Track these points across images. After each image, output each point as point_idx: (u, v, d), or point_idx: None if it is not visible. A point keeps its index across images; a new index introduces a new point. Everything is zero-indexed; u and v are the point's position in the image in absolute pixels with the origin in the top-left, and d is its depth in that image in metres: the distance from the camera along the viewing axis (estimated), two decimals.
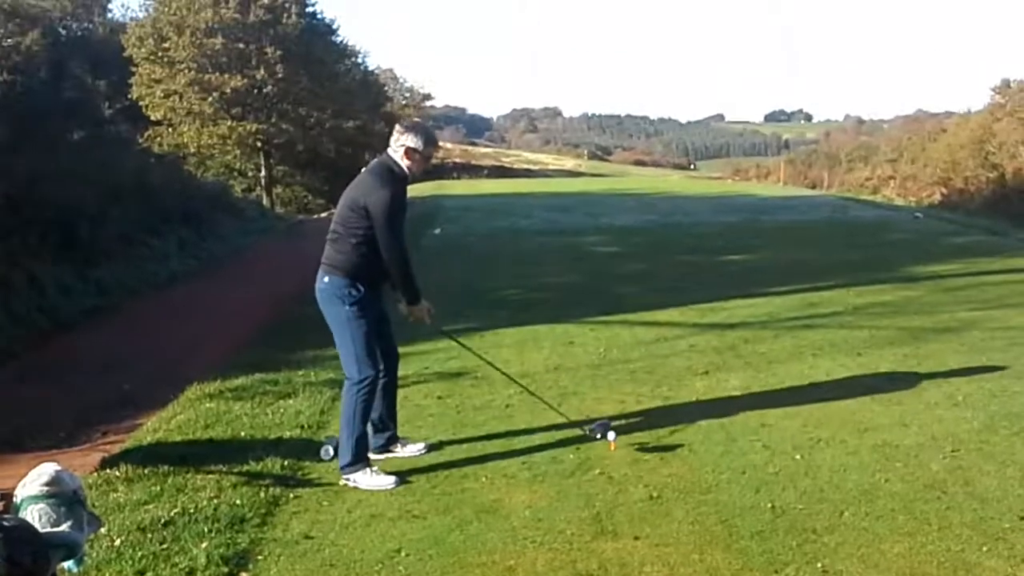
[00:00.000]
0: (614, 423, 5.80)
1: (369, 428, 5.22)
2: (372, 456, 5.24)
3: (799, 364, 7.34)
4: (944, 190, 28.68)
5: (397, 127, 5.15)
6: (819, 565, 3.85)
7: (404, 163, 5.01)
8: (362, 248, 4.94)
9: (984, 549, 3.97)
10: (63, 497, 2.45)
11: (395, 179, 4.98)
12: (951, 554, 3.93)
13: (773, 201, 27.05)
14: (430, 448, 5.50)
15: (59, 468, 2.49)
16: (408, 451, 5.44)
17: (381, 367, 5.18)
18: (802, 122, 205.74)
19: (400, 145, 5.00)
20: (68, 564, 2.48)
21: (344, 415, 5.05)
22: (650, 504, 4.57)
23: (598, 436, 5.35)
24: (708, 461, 5.16)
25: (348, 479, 4.95)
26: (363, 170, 5.17)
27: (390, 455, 5.38)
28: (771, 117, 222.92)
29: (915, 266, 12.86)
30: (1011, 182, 24.40)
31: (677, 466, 5.10)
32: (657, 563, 3.92)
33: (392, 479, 4.94)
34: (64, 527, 2.40)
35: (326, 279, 5.02)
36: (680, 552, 4.02)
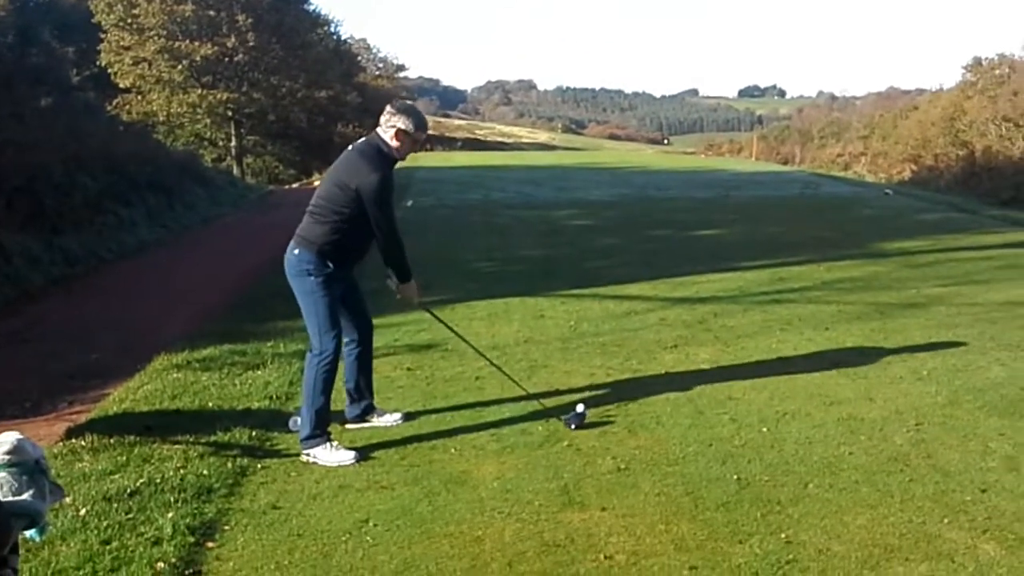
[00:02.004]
0: (583, 395, 5.83)
1: (346, 398, 5.27)
2: (350, 426, 5.27)
3: (767, 338, 7.40)
4: (914, 167, 28.84)
5: (388, 108, 5.05)
6: (783, 536, 3.89)
7: (393, 144, 4.94)
8: (342, 227, 4.90)
9: (945, 521, 4.03)
10: (25, 466, 2.44)
11: (385, 161, 4.91)
12: (913, 525, 3.98)
13: (745, 176, 27.15)
14: (406, 417, 5.50)
15: (21, 437, 2.47)
16: (384, 420, 5.44)
17: (352, 338, 5.19)
18: (776, 98, 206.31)
19: (391, 126, 4.93)
20: (30, 533, 2.47)
21: (305, 386, 5.01)
22: (617, 476, 4.60)
23: (572, 427, 5.33)
24: (675, 434, 5.19)
25: (307, 454, 4.88)
26: (351, 148, 5.07)
27: (366, 424, 5.38)
28: (745, 92, 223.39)
29: (884, 242, 12.98)
30: (980, 160, 24.58)
31: (645, 438, 5.13)
32: (623, 533, 3.95)
33: (352, 455, 4.88)
34: (26, 496, 2.39)
35: (296, 251, 4.98)
36: (646, 523, 4.05)
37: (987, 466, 4.66)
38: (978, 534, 3.90)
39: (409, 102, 5.33)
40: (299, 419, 5.25)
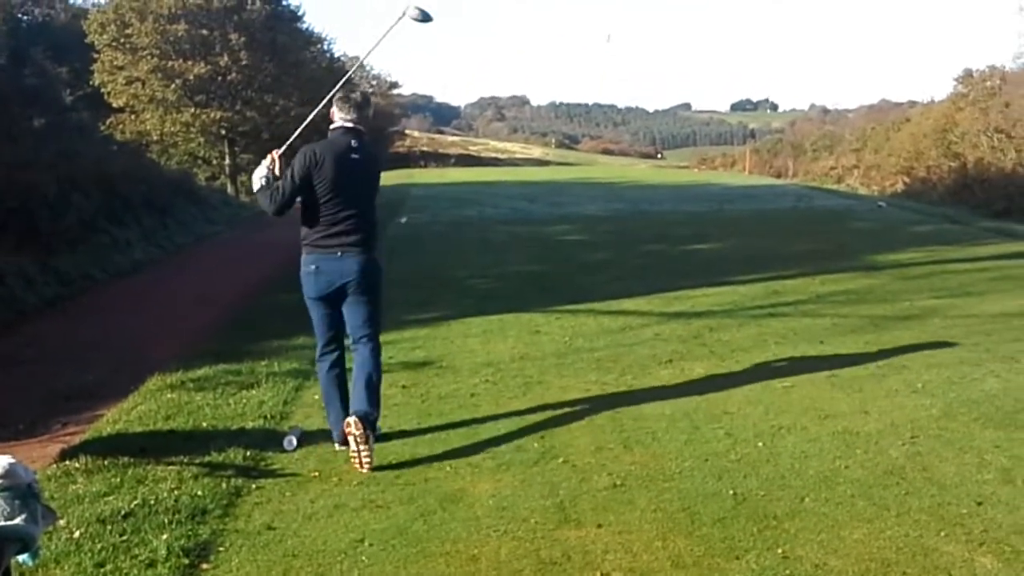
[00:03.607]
0: (578, 409, 5.84)
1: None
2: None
3: (762, 352, 7.40)
4: (907, 179, 28.91)
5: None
6: (780, 551, 3.88)
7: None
8: None
9: (942, 534, 4.02)
10: (17, 490, 2.42)
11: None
12: (910, 539, 3.98)
13: (739, 190, 27.23)
14: (389, 437, 5.48)
15: (13, 461, 2.46)
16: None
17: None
18: (768, 111, 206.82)
19: None
20: (23, 557, 2.46)
21: (376, 376, 5.28)
22: (613, 492, 4.59)
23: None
24: (671, 449, 5.18)
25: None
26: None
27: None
28: (737, 106, 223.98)
29: (878, 255, 13.01)
30: (972, 171, 24.64)
31: (640, 454, 5.12)
32: (620, 550, 3.94)
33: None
34: (18, 520, 2.38)
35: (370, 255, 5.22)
36: (643, 539, 4.04)
37: (983, 479, 4.65)
38: (975, 547, 3.90)
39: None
40: (293, 438, 5.28)
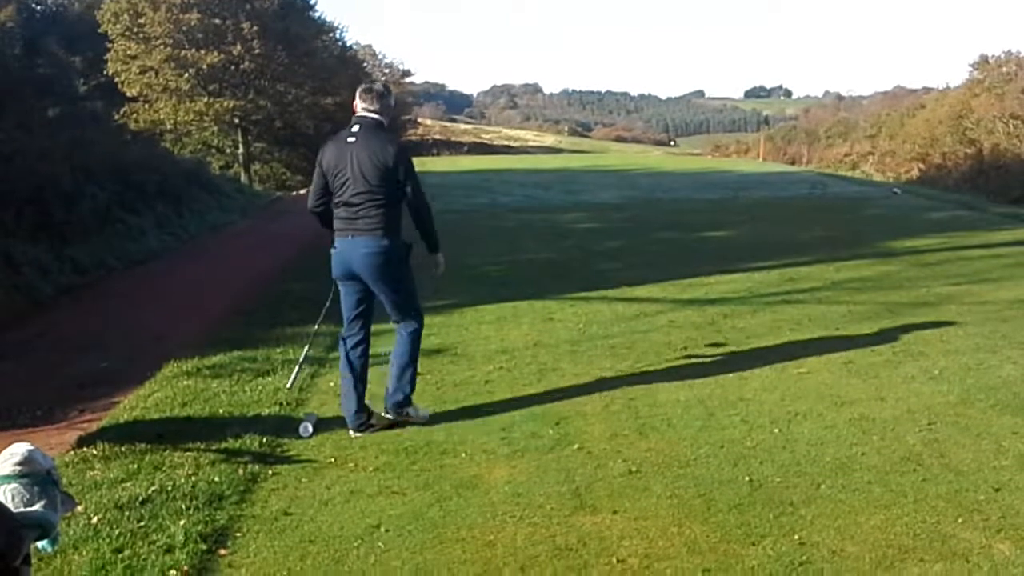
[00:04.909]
0: (593, 396, 5.84)
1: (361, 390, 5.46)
2: (355, 434, 5.32)
3: (777, 339, 7.37)
4: (922, 166, 28.76)
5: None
6: (796, 537, 3.87)
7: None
8: None
9: (959, 521, 4.00)
10: (36, 477, 2.43)
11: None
12: (927, 526, 3.96)
13: (753, 177, 27.11)
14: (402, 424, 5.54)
15: (32, 448, 2.47)
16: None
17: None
18: (782, 98, 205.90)
19: None
20: (42, 544, 2.46)
21: (410, 355, 5.50)
22: (629, 478, 4.58)
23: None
24: (687, 435, 5.18)
25: (406, 413, 5.48)
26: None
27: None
28: (751, 93, 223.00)
29: (893, 241, 12.94)
30: (988, 158, 24.50)
31: (656, 440, 5.11)
32: (636, 537, 3.93)
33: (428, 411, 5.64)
34: (37, 507, 2.38)
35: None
36: (658, 526, 4.03)
37: (1000, 465, 4.62)
38: (992, 533, 3.88)
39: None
40: (309, 425, 5.30)
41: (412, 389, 5.51)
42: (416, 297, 5.54)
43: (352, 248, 5.22)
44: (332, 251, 5.34)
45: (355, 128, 5.26)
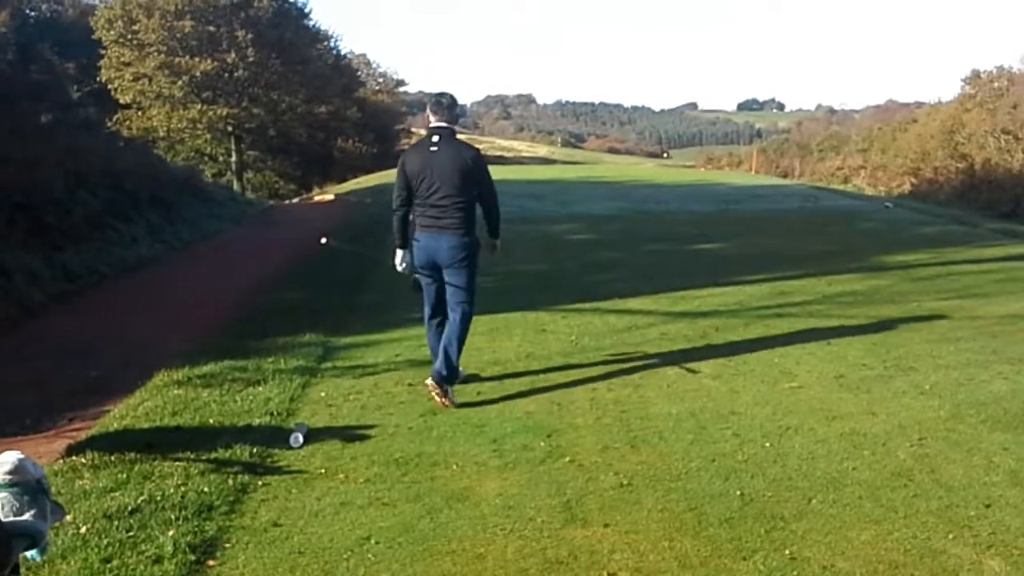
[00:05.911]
0: (584, 408, 5.83)
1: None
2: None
3: (769, 352, 7.38)
4: (914, 180, 28.87)
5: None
6: (787, 552, 3.87)
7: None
8: None
9: (950, 536, 4.01)
10: (26, 486, 2.41)
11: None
12: (917, 541, 3.97)
13: (745, 190, 27.15)
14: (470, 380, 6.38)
15: (22, 457, 2.45)
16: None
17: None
18: (774, 111, 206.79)
19: None
20: (31, 553, 2.45)
21: (459, 339, 6.16)
22: (620, 492, 4.58)
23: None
24: (678, 449, 5.17)
25: (447, 390, 6.03)
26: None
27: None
28: (744, 106, 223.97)
29: (885, 255, 12.97)
30: (980, 172, 24.60)
31: (647, 454, 5.11)
32: (627, 550, 3.93)
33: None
34: (27, 516, 2.37)
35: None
36: (649, 539, 4.03)
37: (991, 481, 4.64)
38: (983, 549, 3.88)
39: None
40: (299, 435, 5.29)
41: (455, 373, 6.16)
42: (475, 285, 6.28)
43: (437, 243, 6.02)
44: (415, 243, 6.09)
45: (435, 138, 5.99)
